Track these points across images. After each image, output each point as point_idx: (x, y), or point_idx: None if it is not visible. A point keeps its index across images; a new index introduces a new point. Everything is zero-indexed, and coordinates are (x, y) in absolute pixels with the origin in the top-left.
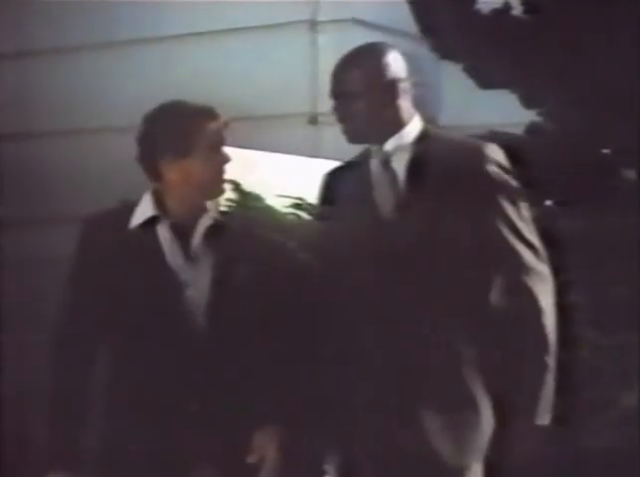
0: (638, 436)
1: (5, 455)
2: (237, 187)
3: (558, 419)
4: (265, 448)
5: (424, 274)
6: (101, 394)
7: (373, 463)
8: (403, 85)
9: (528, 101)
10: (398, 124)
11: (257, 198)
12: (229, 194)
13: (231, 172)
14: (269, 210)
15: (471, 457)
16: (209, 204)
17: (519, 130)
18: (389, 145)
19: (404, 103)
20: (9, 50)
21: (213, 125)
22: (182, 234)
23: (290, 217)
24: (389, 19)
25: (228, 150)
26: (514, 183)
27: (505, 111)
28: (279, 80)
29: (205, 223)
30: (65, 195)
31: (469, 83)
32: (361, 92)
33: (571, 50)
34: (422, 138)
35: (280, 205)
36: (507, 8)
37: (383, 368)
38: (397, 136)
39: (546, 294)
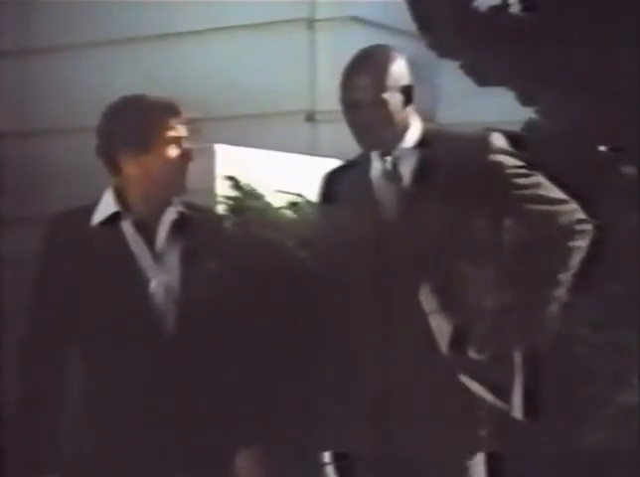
0: (634, 434)
1: (5, 456)
2: (236, 184)
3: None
4: (249, 473)
5: (430, 274)
6: (73, 395)
7: (371, 460)
8: (411, 93)
9: (525, 99)
10: (404, 128)
11: (256, 195)
12: (228, 191)
13: (228, 169)
14: (268, 208)
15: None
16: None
17: (516, 128)
18: (395, 149)
19: (410, 109)
20: (9, 48)
21: (174, 122)
22: (147, 229)
23: (288, 215)
24: (386, 17)
25: (224, 148)
26: (524, 164)
27: (502, 109)
28: (277, 78)
29: (169, 217)
30: (65, 193)
31: (466, 81)
32: (372, 102)
33: (569, 47)
34: (426, 138)
35: (279, 202)
36: (505, 5)
37: (382, 368)
38: (402, 139)
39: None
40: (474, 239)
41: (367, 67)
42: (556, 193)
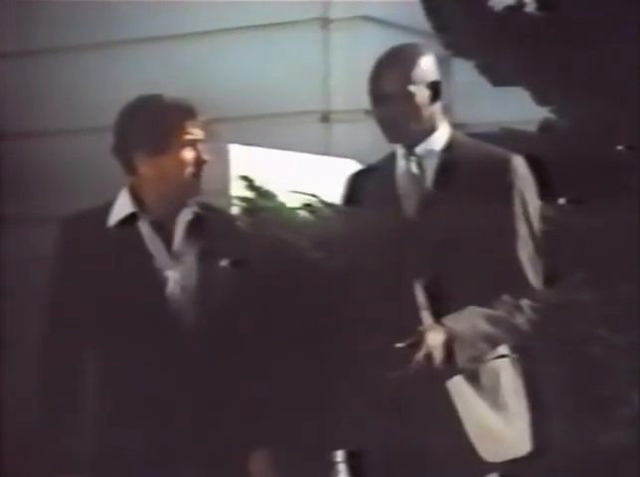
0: None
1: (5, 456)
2: (250, 184)
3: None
4: (263, 474)
5: (448, 274)
6: (90, 395)
7: (383, 459)
8: (439, 89)
9: (541, 98)
10: (430, 127)
11: (270, 195)
12: (242, 191)
13: (242, 170)
14: (282, 208)
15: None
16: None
17: (532, 127)
18: (419, 149)
19: (437, 107)
20: (10, 49)
21: (190, 123)
22: (163, 230)
23: (303, 215)
24: (401, 16)
25: (238, 148)
26: (535, 197)
27: (518, 109)
28: (291, 78)
29: (185, 218)
30: (65, 193)
31: (481, 81)
32: (399, 95)
33: (585, 47)
34: (452, 145)
35: (293, 202)
36: (520, 5)
37: (398, 367)
38: (427, 140)
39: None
40: (475, 252)
41: (395, 61)
42: (528, 254)
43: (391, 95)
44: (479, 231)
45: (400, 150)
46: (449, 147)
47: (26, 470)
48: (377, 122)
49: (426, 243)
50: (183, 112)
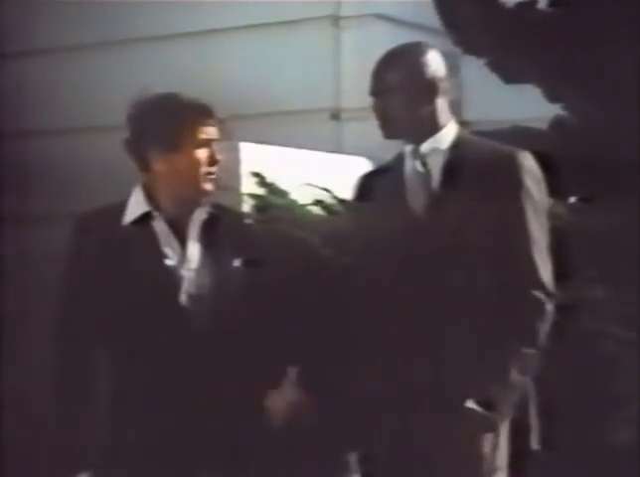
0: None
1: (6, 456)
2: (262, 180)
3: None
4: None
5: (453, 274)
6: (103, 393)
7: (393, 460)
8: (442, 85)
9: (552, 96)
10: (434, 125)
11: (282, 192)
12: (254, 188)
13: (253, 167)
14: (293, 205)
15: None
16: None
17: (543, 125)
18: (424, 147)
19: (442, 104)
20: (10, 49)
21: (205, 122)
22: (177, 229)
23: (314, 212)
24: (412, 14)
25: (249, 146)
26: (543, 194)
27: (529, 106)
28: (302, 76)
29: (199, 217)
30: (65, 193)
31: (492, 78)
32: (398, 90)
33: (596, 44)
34: (458, 143)
35: (304, 199)
36: (532, 1)
37: (405, 365)
38: (433, 138)
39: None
40: (482, 247)
41: (398, 59)
42: (545, 250)
43: (387, 91)
44: (487, 229)
45: (407, 149)
46: (455, 145)
47: (33, 469)
48: (377, 118)
49: (434, 242)
50: (199, 111)
